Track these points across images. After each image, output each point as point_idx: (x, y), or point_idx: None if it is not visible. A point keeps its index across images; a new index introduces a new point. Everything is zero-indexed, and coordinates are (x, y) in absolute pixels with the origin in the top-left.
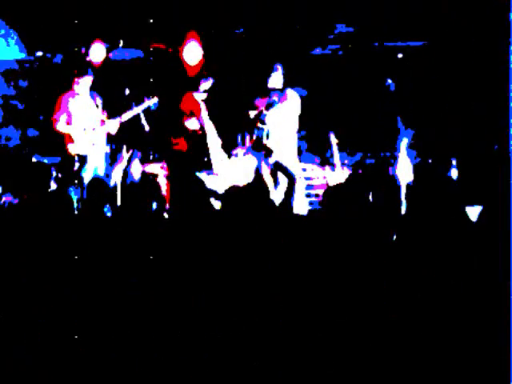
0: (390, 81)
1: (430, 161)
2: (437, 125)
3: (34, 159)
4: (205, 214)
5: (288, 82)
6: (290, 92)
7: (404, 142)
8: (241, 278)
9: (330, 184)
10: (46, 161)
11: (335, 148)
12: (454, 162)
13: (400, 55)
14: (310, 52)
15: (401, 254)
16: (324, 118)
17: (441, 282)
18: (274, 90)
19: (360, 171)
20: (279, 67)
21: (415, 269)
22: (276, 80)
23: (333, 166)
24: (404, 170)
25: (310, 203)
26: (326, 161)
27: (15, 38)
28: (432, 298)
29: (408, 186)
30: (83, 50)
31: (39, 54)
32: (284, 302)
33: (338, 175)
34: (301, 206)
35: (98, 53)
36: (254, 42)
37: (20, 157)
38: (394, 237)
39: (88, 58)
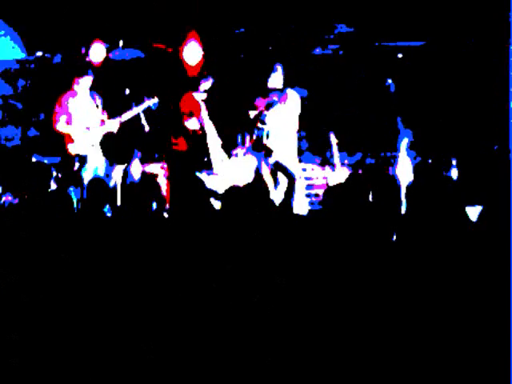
0: (390, 81)
1: (430, 161)
2: (437, 125)
3: (33, 159)
4: (205, 213)
5: (288, 82)
6: (290, 92)
7: (404, 142)
8: (241, 277)
9: (330, 184)
10: (46, 161)
11: (335, 148)
12: (454, 162)
13: (400, 55)
14: (310, 52)
15: (401, 253)
16: (324, 118)
17: (441, 281)
18: (274, 90)
19: (360, 171)
20: (279, 67)
21: (415, 269)
22: (276, 80)
23: (333, 165)
24: (404, 170)
25: (310, 203)
26: (326, 161)
27: (15, 38)
28: (432, 298)
29: (408, 186)
30: (83, 50)
31: (39, 53)
32: (284, 302)
33: (338, 175)
34: (301, 206)
35: (97, 53)
36: (254, 42)
37: (20, 157)
38: (394, 237)
39: (88, 58)
